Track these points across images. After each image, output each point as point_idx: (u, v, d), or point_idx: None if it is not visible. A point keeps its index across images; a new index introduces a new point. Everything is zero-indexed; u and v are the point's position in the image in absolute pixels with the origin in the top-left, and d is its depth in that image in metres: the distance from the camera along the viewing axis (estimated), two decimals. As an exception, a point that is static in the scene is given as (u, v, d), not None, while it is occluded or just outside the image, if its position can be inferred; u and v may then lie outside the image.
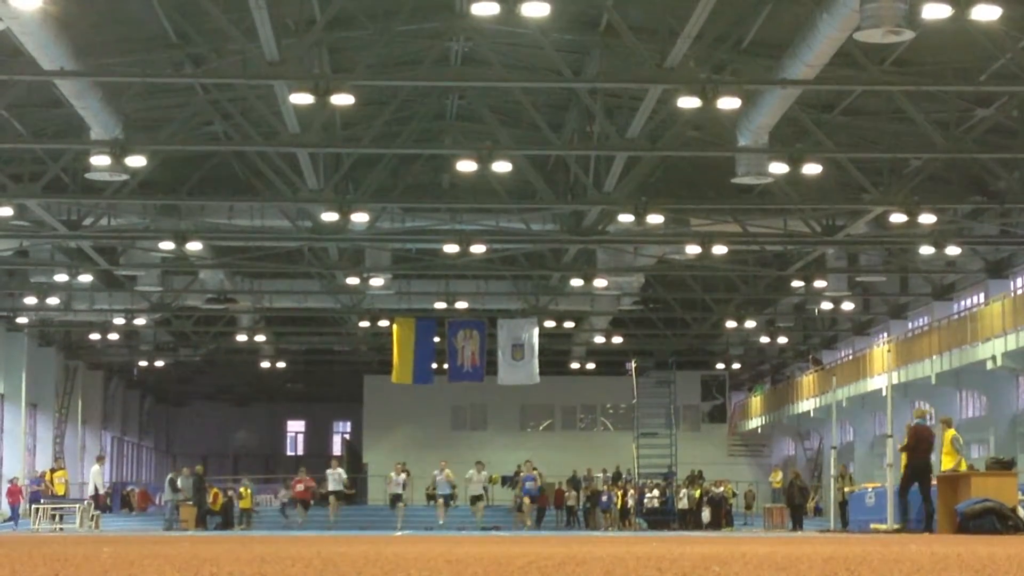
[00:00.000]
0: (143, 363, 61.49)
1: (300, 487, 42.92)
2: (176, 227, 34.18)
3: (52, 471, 40.40)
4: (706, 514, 45.30)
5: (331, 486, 42.32)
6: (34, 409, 53.21)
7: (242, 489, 46.80)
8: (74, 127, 27.68)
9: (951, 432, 24.53)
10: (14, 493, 43.23)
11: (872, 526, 23.86)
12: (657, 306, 49.88)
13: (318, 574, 4.60)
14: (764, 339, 54.71)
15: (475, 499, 41.16)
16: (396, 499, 40.94)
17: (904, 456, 23.48)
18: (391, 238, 36.63)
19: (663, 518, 45.51)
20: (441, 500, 40.98)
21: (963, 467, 23.89)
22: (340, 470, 43.04)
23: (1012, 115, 27.76)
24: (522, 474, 43.47)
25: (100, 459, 44.88)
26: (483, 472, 41.47)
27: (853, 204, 32.08)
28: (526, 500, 42.86)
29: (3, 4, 19.04)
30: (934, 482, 23.18)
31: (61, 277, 40.44)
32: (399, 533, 25.02)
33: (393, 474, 41.50)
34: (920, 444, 23.50)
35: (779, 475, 50.05)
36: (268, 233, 35.52)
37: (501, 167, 27.65)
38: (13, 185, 30.13)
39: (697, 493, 46.56)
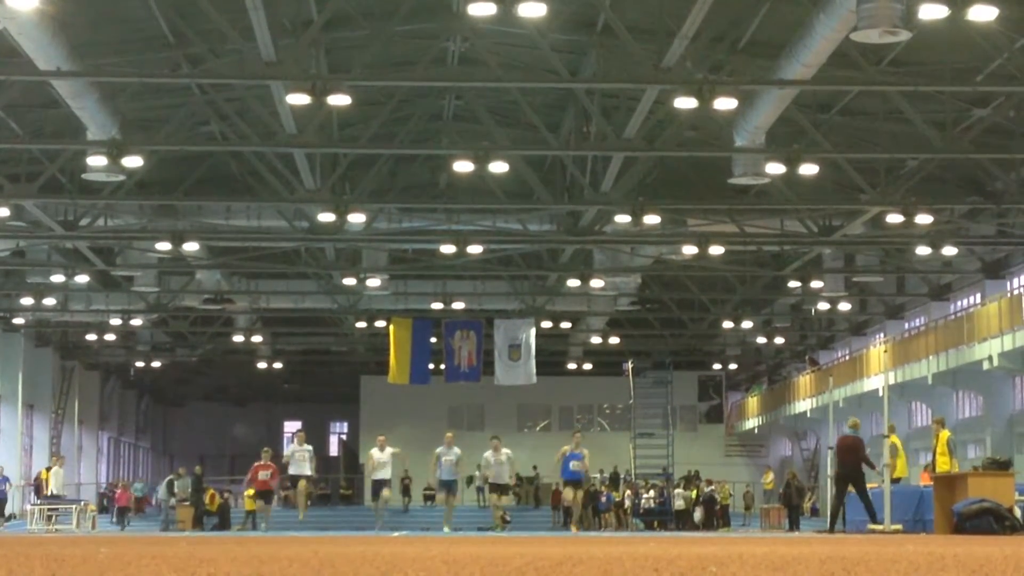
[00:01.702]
0: (140, 363, 61.49)
1: (263, 474, 32.87)
2: (173, 227, 34.18)
3: (47, 470, 40.34)
4: (698, 514, 45.39)
5: (294, 469, 30.61)
6: (31, 410, 53.18)
7: (250, 491, 46.88)
8: (71, 127, 27.67)
9: (946, 433, 24.66)
10: None
11: (869, 526, 23.88)
12: (654, 306, 49.90)
13: (315, 574, 4.60)
14: (761, 339, 54.76)
15: (497, 489, 30.04)
16: (380, 487, 30.01)
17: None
18: (388, 238, 36.63)
19: (660, 518, 45.56)
20: (445, 494, 30.22)
21: (956, 469, 24.06)
22: (308, 447, 31.02)
23: (1009, 115, 27.79)
24: (565, 450, 29.86)
25: (58, 460, 40.74)
26: (503, 451, 29.64)
27: (850, 204, 32.10)
28: (569, 491, 30.21)
29: (1, 4, 19.02)
30: (873, 485, 24.21)
31: (58, 277, 40.40)
32: (396, 534, 24.51)
33: (375, 450, 30.24)
34: (840, 454, 24.42)
35: (770, 475, 50.13)
36: (265, 233, 35.52)
37: (498, 167, 27.66)
38: (10, 185, 30.11)
39: (693, 494, 46.62)
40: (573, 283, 40.67)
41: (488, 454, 29.89)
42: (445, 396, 56.79)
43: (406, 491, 53.52)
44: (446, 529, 29.15)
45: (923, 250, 34.63)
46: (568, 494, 30.28)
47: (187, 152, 31.46)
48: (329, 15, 22.62)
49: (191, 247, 35.07)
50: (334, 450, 75.49)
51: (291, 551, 6.89)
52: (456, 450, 29.53)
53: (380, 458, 29.86)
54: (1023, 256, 38.82)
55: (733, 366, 64.76)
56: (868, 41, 19.80)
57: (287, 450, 31.49)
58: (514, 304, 45.65)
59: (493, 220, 35.45)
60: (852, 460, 24.18)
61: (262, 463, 32.92)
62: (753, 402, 63.47)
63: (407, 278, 43.89)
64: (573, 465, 29.44)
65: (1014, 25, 22.85)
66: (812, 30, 20.78)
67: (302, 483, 30.41)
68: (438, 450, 29.64)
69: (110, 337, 51.40)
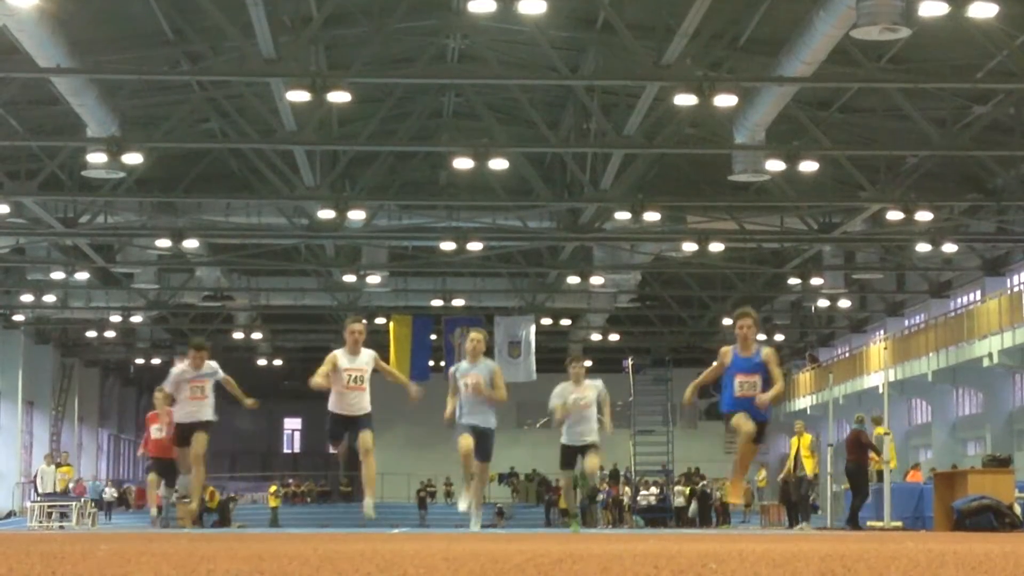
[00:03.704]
0: (139, 360, 61.50)
1: (157, 431, 19.57)
2: (173, 224, 34.19)
3: (57, 466, 40.25)
4: (692, 506, 45.48)
5: (182, 413, 17.03)
6: (30, 407, 53.22)
7: (272, 488, 48.20)
8: (70, 124, 27.69)
9: (879, 430, 25.05)
10: None
11: (868, 523, 23.90)
12: (654, 303, 49.91)
13: (315, 571, 4.61)
14: (760, 336, 54.70)
15: (576, 453, 16.47)
16: (343, 429, 15.92)
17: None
18: (388, 235, 36.64)
19: (660, 515, 45.60)
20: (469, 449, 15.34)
21: (891, 465, 24.59)
22: (211, 367, 17.10)
23: (1009, 112, 27.77)
24: (728, 352, 14.09)
25: (48, 457, 39.30)
26: (589, 384, 16.45)
27: (850, 201, 32.11)
28: (748, 438, 13.88)
29: (0, 2, 19.03)
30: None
31: (57, 274, 40.41)
32: (396, 531, 23.27)
33: (340, 353, 15.55)
34: (846, 449, 24.95)
35: (763, 473, 50.16)
36: (265, 230, 35.53)
37: (498, 164, 27.67)
38: (10, 182, 30.12)
39: (687, 491, 46.75)
40: (573, 280, 40.69)
41: (566, 388, 16.54)
42: (445, 393, 56.74)
43: (422, 503, 52.73)
44: (462, 506, 16.16)
45: (923, 247, 34.63)
46: (747, 440, 13.94)
47: (187, 149, 31.47)
48: (329, 12, 22.62)
49: (191, 244, 35.10)
50: (333, 447, 75.53)
51: (291, 548, 6.90)
52: (488, 364, 15.74)
53: (347, 369, 15.40)
54: (1023, 253, 38.83)
55: (733, 363, 64.74)
56: (868, 38, 19.80)
57: (174, 375, 17.00)
58: (514, 301, 45.66)
59: (493, 217, 35.46)
60: (850, 455, 24.52)
61: (159, 409, 19.21)
62: (753, 399, 63.40)
63: (407, 275, 43.90)
64: (742, 386, 13.87)
65: (1014, 22, 22.84)
66: (812, 27, 20.79)
67: (199, 438, 16.70)
68: (457, 367, 15.93)
69: (110, 334, 51.44)
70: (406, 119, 31.68)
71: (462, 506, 16.14)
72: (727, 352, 14.36)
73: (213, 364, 17.21)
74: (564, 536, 13.13)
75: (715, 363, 14.43)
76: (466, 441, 15.44)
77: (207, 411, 17.09)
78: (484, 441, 15.43)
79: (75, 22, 22.60)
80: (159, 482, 20.37)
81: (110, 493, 52.21)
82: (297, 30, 22.99)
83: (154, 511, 20.45)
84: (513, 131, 31.73)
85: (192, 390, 16.95)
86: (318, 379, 15.27)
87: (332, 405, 15.74)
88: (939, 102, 27.32)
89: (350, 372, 15.50)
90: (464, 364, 15.86)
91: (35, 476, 42.24)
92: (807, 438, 26.77)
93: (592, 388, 16.55)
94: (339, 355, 15.54)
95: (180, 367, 17.16)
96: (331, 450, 16.99)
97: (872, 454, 24.47)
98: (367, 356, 15.67)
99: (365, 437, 15.73)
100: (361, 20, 25.31)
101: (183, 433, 16.99)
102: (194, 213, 34.82)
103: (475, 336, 15.88)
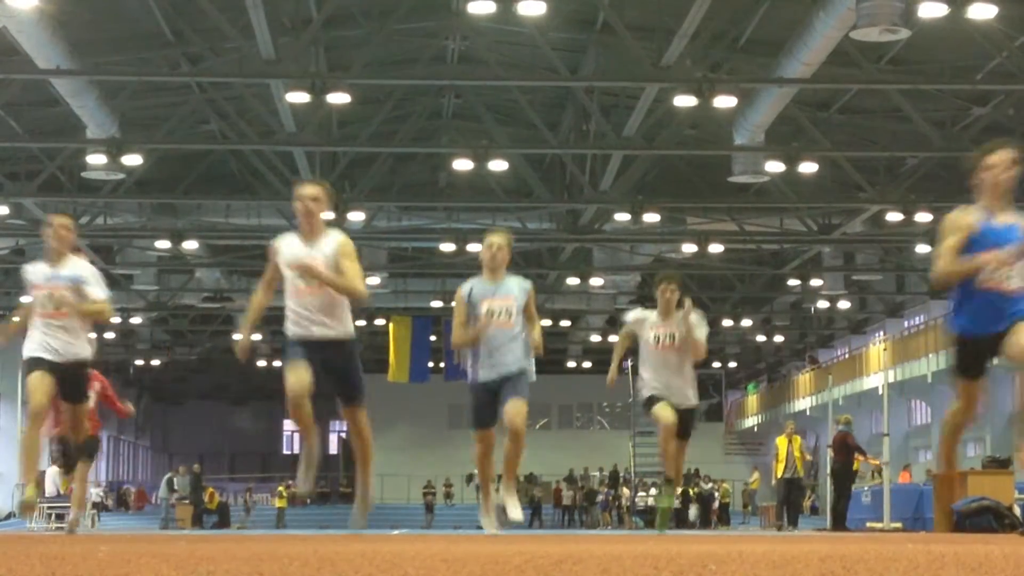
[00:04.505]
0: (139, 362, 61.49)
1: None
2: (172, 226, 34.19)
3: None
4: (692, 511, 45.47)
5: (36, 342, 11.36)
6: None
7: (280, 488, 48.62)
8: (70, 126, 27.69)
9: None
10: None
11: (868, 524, 23.91)
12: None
13: (315, 572, 4.61)
14: (760, 338, 54.77)
15: (664, 416, 13.06)
16: (312, 360, 10.33)
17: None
18: (387, 237, 36.65)
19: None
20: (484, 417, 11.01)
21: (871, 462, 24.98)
22: (83, 269, 11.14)
23: (1008, 114, 27.79)
24: (971, 222, 8.63)
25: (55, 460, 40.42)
26: (683, 317, 12.99)
27: (849, 203, 32.11)
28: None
29: (0, 3, 19.04)
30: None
31: (57, 276, 40.40)
32: (396, 532, 23.41)
33: (292, 242, 10.39)
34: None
35: (755, 475, 50.19)
36: (265, 232, 35.52)
37: (497, 166, 27.67)
38: (9, 184, 30.13)
39: (680, 492, 46.81)
40: (572, 281, 40.69)
41: (639, 317, 13.43)
42: (445, 394, 56.70)
43: (429, 508, 52.21)
44: (487, 527, 11.38)
45: (923, 248, 34.64)
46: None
47: (187, 150, 31.48)
48: (328, 13, 22.63)
49: (191, 245, 35.10)
50: (334, 448, 75.54)
51: (291, 549, 6.90)
52: (519, 282, 11.82)
53: (297, 263, 10.31)
54: (1022, 254, 38.81)
55: (732, 364, 64.77)
56: (868, 39, 19.83)
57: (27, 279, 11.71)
58: (514, 302, 45.64)
59: (493, 218, 35.46)
60: (837, 456, 24.75)
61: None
62: (752, 400, 63.48)
63: (406, 276, 43.91)
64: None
65: (1013, 23, 22.85)
66: (812, 28, 20.81)
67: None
68: (470, 287, 11.35)
69: (109, 335, 51.41)
70: (406, 120, 31.68)
71: (488, 527, 11.09)
72: (967, 219, 8.32)
73: (88, 267, 10.75)
74: (563, 537, 13.11)
75: (948, 241, 8.55)
76: (485, 431, 10.52)
77: (78, 339, 10.67)
78: (516, 384, 10.98)
79: (75, 23, 22.62)
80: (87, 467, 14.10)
81: (96, 494, 52.36)
82: (297, 31, 23.00)
83: (76, 512, 14.02)
84: (513, 132, 31.73)
85: (47, 303, 10.12)
86: (256, 295, 9.81)
87: (288, 325, 10.04)
88: (939, 103, 27.34)
89: (301, 267, 9.48)
90: (479, 282, 10.82)
91: (37, 476, 42.14)
92: (798, 440, 26.89)
93: (689, 320, 12.15)
94: (284, 244, 9.84)
95: (35, 263, 10.79)
96: (290, 411, 10.15)
97: (858, 454, 24.59)
98: (332, 242, 9.67)
99: (349, 391, 10.03)
100: (361, 21, 25.32)
101: (33, 365, 10.72)
102: (194, 214, 34.83)
103: (495, 240, 10.94)
